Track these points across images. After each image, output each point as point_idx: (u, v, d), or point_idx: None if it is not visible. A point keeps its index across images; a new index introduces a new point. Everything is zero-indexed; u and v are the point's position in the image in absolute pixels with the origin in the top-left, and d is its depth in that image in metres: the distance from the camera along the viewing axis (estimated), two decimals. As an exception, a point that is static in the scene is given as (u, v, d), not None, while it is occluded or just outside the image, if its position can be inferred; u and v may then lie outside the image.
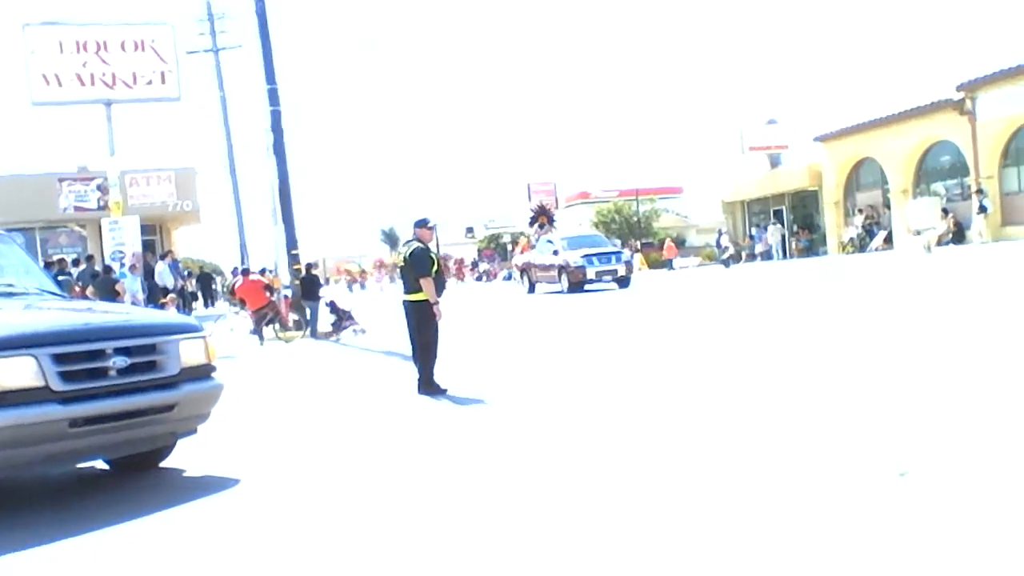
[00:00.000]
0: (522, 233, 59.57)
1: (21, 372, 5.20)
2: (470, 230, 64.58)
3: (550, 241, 28.82)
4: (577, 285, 25.09)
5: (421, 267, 9.00)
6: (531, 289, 28.17)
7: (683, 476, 5.03)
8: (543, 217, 45.70)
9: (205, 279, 35.07)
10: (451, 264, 48.81)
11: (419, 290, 9.03)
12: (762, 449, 5.45)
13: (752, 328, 12.34)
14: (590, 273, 25.24)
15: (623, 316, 16.69)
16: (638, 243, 46.09)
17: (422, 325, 9.07)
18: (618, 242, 35.99)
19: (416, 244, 9.19)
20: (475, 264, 58.29)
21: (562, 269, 25.82)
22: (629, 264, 26.88)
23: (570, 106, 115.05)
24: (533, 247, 32.29)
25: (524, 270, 29.56)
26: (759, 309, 15.33)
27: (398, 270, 9.42)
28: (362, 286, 53.35)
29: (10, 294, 6.55)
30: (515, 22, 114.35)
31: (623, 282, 25.56)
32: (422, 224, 9.42)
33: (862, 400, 6.61)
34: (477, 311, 21.28)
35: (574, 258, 25.58)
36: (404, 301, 9.24)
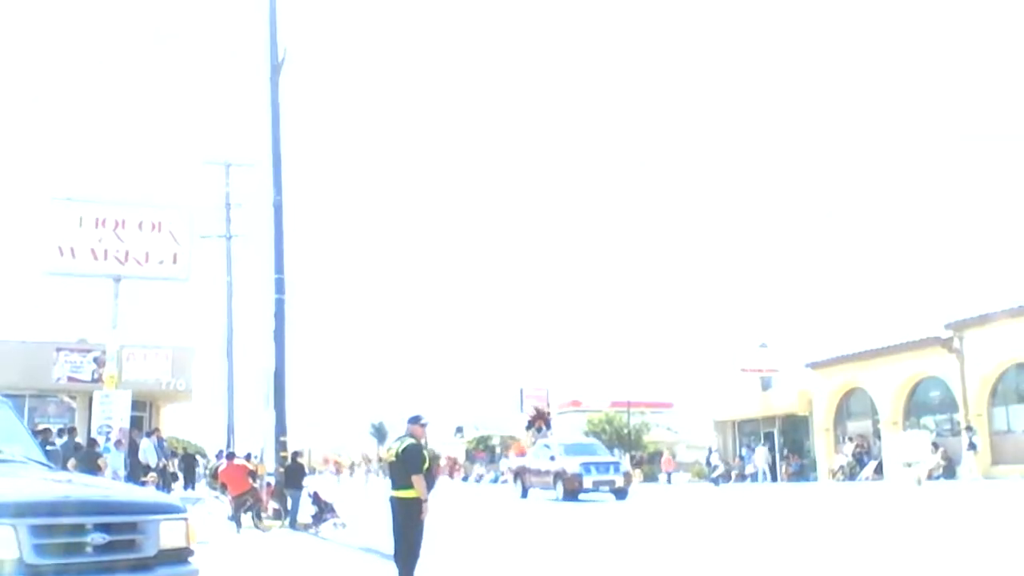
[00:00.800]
0: (512, 436, 59.14)
1: (-3, 542, 5.11)
2: (459, 430, 64.21)
3: (547, 446, 28.50)
4: (572, 493, 24.55)
5: (414, 464, 8.91)
6: (524, 494, 27.54)
7: None
8: (540, 420, 45.23)
9: (189, 460, 34.52)
10: (443, 462, 48.05)
11: (409, 486, 8.89)
12: None
13: (749, 554, 12.09)
14: (587, 482, 24.76)
15: (620, 529, 16.32)
16: (639, 455, 45.57)
17: (408, 523, 8.89)
18: (616, 452, 35.57)
19: (409, 440, 9.12)
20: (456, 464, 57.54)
21: (558, 476, 25.35)
22: (628, 475, 26.46)
23: (564, 315, 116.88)
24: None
25: (518, 474, 29.03)
26: (756, 534, 15.05)
27: (386, 465, 9.33)
28: (350, 474, 52.31)
29: (-4, 459, 6.51)
30: (509, 231, 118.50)
31: (620, 493, 25.02)
32: (415, 421, 9.36)
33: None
34: (467, 514, 20.74)
35: (571, 465, 25.18)
36: (392, 497, 9.06)
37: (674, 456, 50.57)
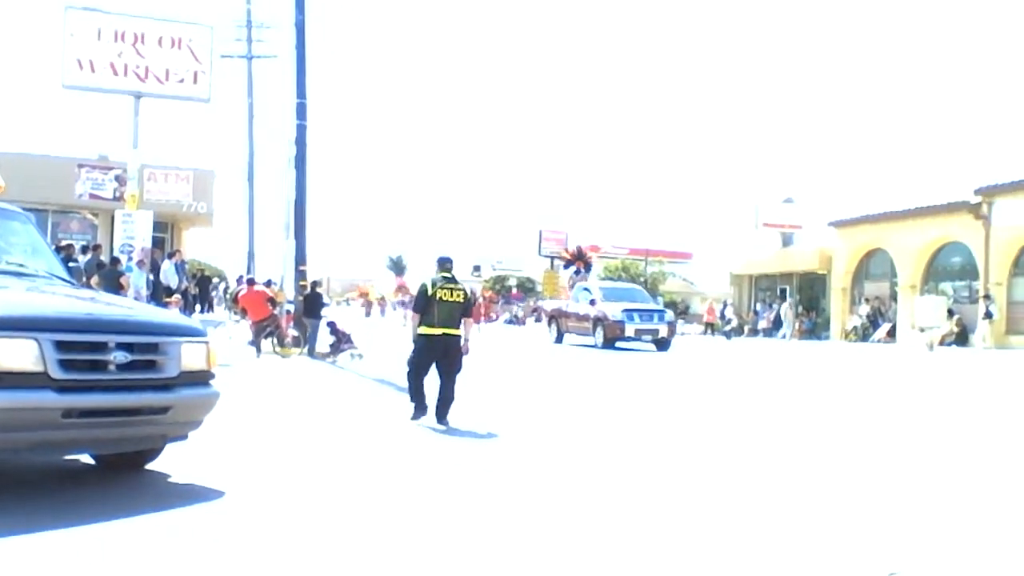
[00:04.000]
0: (529, 278, 59.36)
1: (22, 355, 5.09)
2: (477, 268, 64.49)
3: (587, 289, 26.98)
4: (612, 340, 23.41)
5: (469, 306, 9.45)
6: (559, 339, 26.18)
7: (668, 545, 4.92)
8: (580, 262, 43.02)
9: (203, 282, 34.47)
10: (480, 302, 46.88)
11: (457, 326, 9.23)
12: (747, 535, 5.34)
13: (773, 405, 12.22)
14: (629, 330, 23.44)
15: (659, 377, 16.14)
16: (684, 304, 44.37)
17: (452, 360, 9.22)
18: (661, 300, 34.14)
19: (463, 283, 9.50)
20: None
21: (598, 321, 24.01)
22: (672, 325, 24.80)
23: (585, 157, 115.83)
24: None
25: (553, 317, 27.52)
26: (791, 388, 15.20)
27: (438, 303, 9.24)
28: (381, 312, 51.56)
29: (19, 274, 6.47)
30: (538, 71, 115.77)
31: (663, 344, 23.73)
32: (451, 262, 9.60)
33: (854, 495, 6.51)
34: (498, 357, 19.56)
35: (613, 311, 23.79)
36: (444, 335, 9.15)
37: (688, 309, 50.91)
